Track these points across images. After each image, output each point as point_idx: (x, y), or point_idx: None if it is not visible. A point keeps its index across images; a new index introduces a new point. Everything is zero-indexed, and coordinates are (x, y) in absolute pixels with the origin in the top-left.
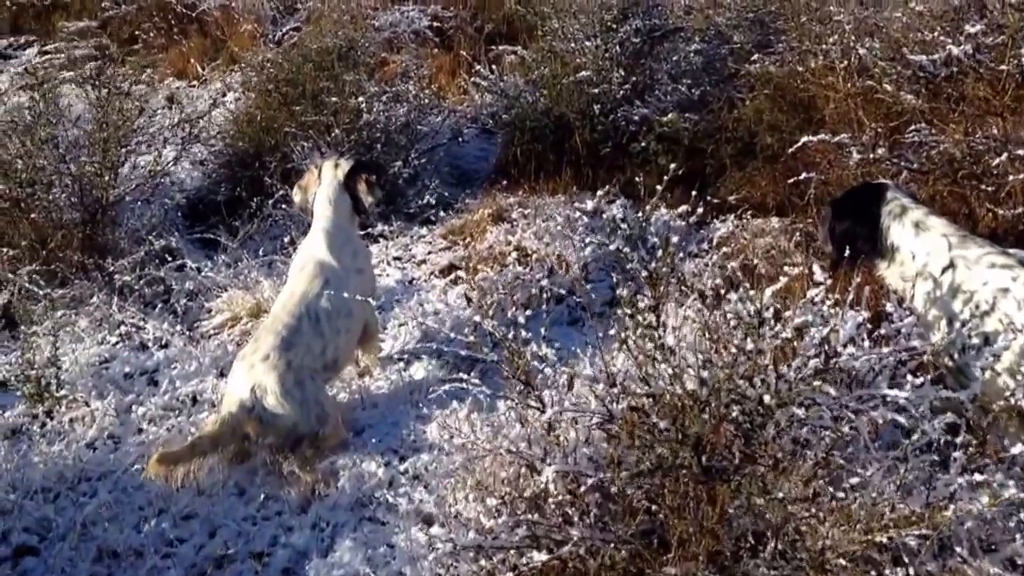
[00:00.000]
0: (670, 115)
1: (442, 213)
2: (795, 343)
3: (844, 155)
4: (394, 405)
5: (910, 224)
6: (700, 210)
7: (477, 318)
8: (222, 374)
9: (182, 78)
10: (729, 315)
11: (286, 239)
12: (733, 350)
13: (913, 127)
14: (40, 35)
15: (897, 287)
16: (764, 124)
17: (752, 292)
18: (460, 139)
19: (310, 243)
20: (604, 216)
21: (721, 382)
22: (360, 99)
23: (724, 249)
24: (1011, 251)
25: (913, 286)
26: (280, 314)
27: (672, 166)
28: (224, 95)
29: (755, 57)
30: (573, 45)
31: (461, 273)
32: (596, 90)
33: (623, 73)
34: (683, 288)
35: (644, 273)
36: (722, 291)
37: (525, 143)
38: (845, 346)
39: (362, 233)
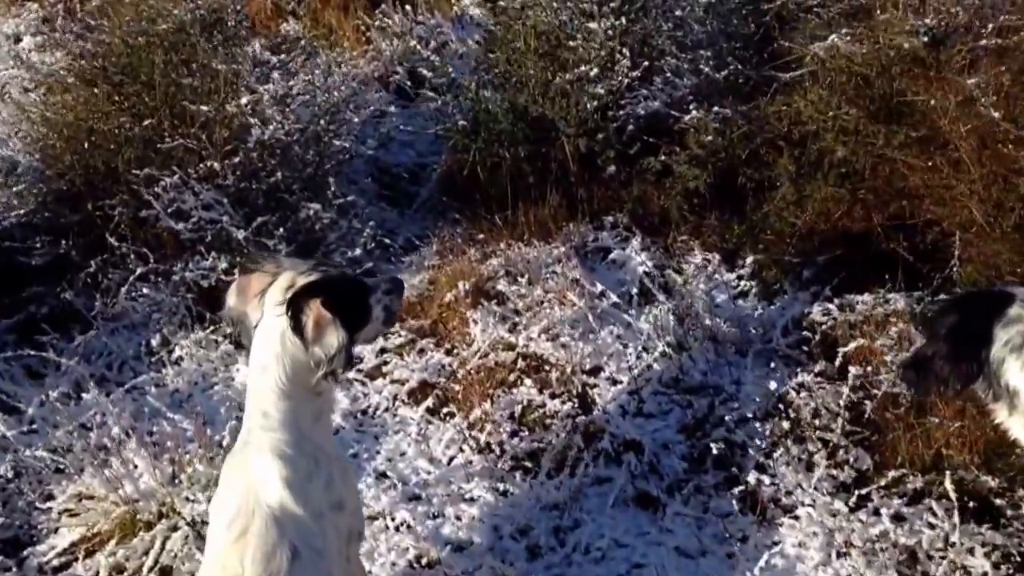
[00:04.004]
0: (694, 112)
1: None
2: None
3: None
4: None
5: None
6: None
7: None
8: None
9: None
10: None
11: (154, 340)
12: None
13: None
14: None
15: None
16: (834, 128)
17: None
18: (388, 144)
19: (251, 474)
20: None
21: None
22: (243, 101)
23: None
24: None
25: None
26: None
27: (698, 182)
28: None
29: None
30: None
31: (443, 398)
32: (602, 88)
33: (629, 55)
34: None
35: None
36: None
37: (487, 152)
38: None
39: None
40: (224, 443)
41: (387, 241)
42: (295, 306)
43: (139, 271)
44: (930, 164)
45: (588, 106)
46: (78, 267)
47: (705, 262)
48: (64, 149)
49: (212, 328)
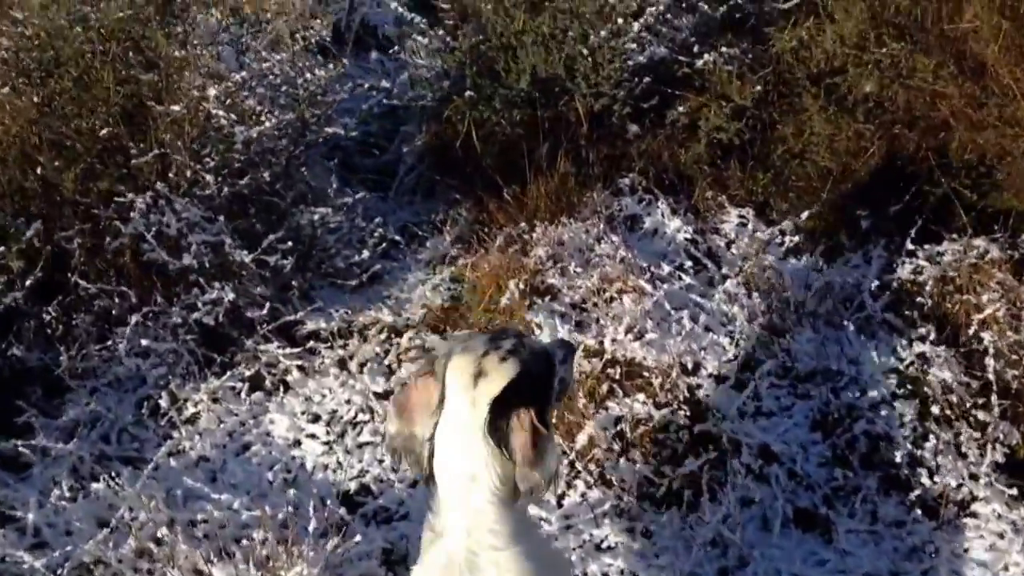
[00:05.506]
0: (706, 56)
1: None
2: None
3: None
4: None
5: None
6: (805, 217)
7: None
8: None
9: None
10: None
11: (162, 399)
12: None
13: None
14: None
15: None
16: (864, 63)
17: None
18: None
19: None
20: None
21: None
22: (215, 90)
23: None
24: None
25: None
26: None
27: (729, 134)
28: None
29: None
30: None
31: None
32: (632, 42)
33: None
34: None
35: None
36: None
37: (492, 121)
38: None
39: None
40: (296, 524)
41: (397, 238)
42: (498, 412)
43: (134, 317)
44: (968, 92)
45: (609, 60)
46: (26, 315)
47: (742, 219)
48: None
49: (228, 373)
